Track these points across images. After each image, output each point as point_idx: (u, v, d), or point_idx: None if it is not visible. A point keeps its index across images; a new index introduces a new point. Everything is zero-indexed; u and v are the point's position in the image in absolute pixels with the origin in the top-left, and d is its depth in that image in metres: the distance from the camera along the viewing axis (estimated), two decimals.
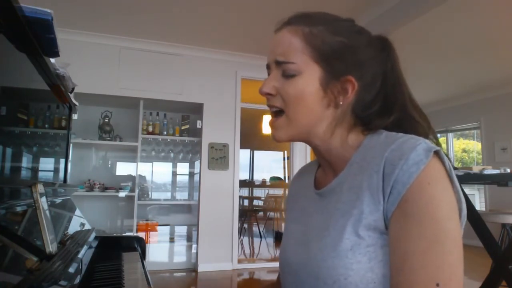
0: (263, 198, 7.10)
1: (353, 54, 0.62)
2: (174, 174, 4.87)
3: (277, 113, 0.65)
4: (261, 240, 6.08)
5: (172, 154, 4.61)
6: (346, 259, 0.54)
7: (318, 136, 0.64)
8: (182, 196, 4.88)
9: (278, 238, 6.09)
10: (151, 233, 4.14)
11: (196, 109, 4.31)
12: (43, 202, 0.76)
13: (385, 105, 0.64)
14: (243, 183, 6.01)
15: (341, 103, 0.62)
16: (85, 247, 1.04)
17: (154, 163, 4.75)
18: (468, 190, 5.64)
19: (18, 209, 0.79)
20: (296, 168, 4.55)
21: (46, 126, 1.29)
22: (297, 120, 0.63)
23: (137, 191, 3.88)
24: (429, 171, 0.51)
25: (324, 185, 0.66)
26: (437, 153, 0.53)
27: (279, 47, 0.63)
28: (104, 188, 3.91)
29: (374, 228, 0.54)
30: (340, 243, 0.55)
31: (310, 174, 0.75)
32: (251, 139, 7.19)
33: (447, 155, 0.57)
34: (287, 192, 5.48)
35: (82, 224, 1.38)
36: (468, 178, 2.09)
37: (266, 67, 0.67)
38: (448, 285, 0.47)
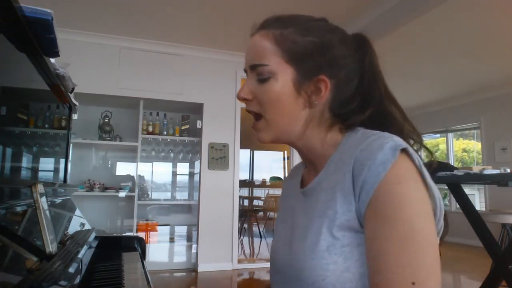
0: (263, 198, 7.10)
1: (325, 53, 0.62)
2: (174, 174, 4.87)
3: (257, 117, 0.66)
4: (261, 240, 6.08)
5: (172, 154, 4.61)
6: (323, 260, 0.54)
7: (298, 137, 0.65)
8: (182, 196, 4.88)
9: None
10: (151, 233, 4.14)
11: (196, 109, 4.31)
12: (43, 202, 0.76)
13: (362, 102, 0.64)
14: (243, 183, 6.02)
15: (315, 102, 0.62)
16: (85, 247, 1.04)
17: (154, 163, 4.75)
18: (468, 190, 5.63)
19: (18, 209, 0.79)
20: None
21: (46, 126, 1.29)
22: (275, 122, 0.63)
23: (137, 191, 3.88)
24: (397, 170, 0.51)
25: (307, 184, 0.66)
26: (405, 151, 0.52)
27: (253, 51, 0.65)
28: (104, 188, 3.91)
29: (347, 227, 0.54)
30: (317, 244, 0.55)
31: (298, 173, 0.76)
32: (251, 139, 7.17)
33: (424, 144, 0.57)
34: None
35: (82, 224, 1.38)
36: (468, 178, 2.09)
37: (244, 71, 0.68)
38: (424, 284, 0.47)
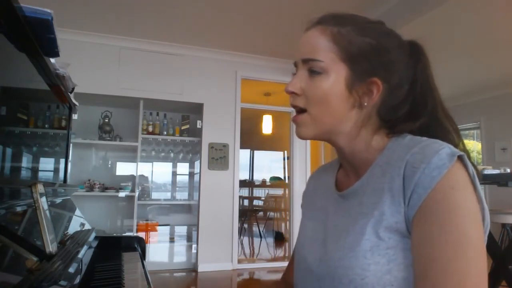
0: (263, 198, 7.09)
1: (381, 56, 0.61)
2: (174, 174, 4.87)
3: (300, 111, 0.65)
4: (261, 240, 6.08)
5: (172, 154, 4.61)
6: (364, 259, 0.53)
7: (342, 137, 0.64)
8: (182, 196, 4.88)
9: (278, 238, 6.09)
10: (151, 233, 4.14)
11: (196, 109, 4.31)
12: (43, 202, 0.76)
13: (413, 110, 0.64)
14: (243, 183, 6.01)
15: (365, 104, 0.62)
16: (85, 247, 1.04)
17: (154, 163, 4.75)
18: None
19: (18, 209, 0.79)
20: (296, 168, 4.55)
21: (46, 126, 1.29)
22: (320, 119, 0.62)
23: (137, 191, 3.88)
24: (452, 176, 0.50)
25: (346, 187, 0.65)
26: (460, 158, 0.52)
27: (307, 46, 0.63)
28: (104, 188, 3.91)
29: (395, 230, 0.53)
30: (359, 244, 0.54)
31: (330, 174, 0.75)
32: (251, 139, 7.19)
33: (472, 162, 0.56)
34: (287, 192, 5.46)
35: (82, 224, 1.38)
36: None
37: (294, 65, 0.67)
38: None
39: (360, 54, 0.61)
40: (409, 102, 0.64)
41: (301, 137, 0.65)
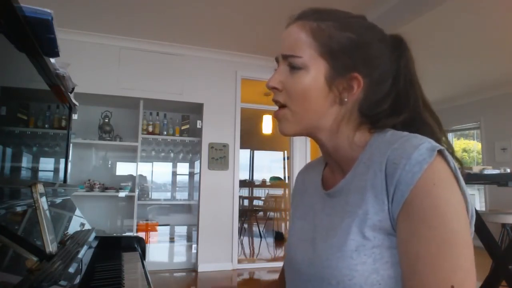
0: (263, 198, 7.09)
1: (361, 50, 0.61)
2: (174, 174, 4.87)
3: (281, 106, 0.64)
4: (261, 240, 6.08)
5: (172, 154, 4.61)
6: (351, 259, 0.53)
7: (324, 133, 0.64)
8: (182, 196, 4.88)
9: (278, 238, 6.08)
10: (151, 233, 4.14)
11: (196, 109, 4.31)
12: (43, 202, 0.76)
13: (395, 105, 0.63)
14: (243, 183, 6.01)
15: (346, 100, 0.61)
16: (85, 247, 1.04)
17: (154, 163, 4.75)
18: (468, 190, 5.63)
19: (18, 209, 0.79)
20: (296, 168, 4.55)
21: (46, 126, 1.29)
22: (301, 115, 0.62)
23: (137, 191, 3.88)
24: (433, 171, 0.50)
25: (332, 185, 0.65)
26: (441, 152, 0.52)
27: (287, 41, 0.63)
28: (104, 188, 3.91)
29: (379, 228, 0.53)
30: (345, 244, 0.54)
31: (317, 171, 0.75)
32: (251, 139, 7.19)
33: (455, 155, 0.56)
34: (287, 192, 5.46)
35: (82, 224, 1.38)
36: (468, 178, 2.09)
37: (275, 60, 0.66)
38: (463, 287, 0.46)
39: (340, 49, 0.60)
40: (392, 97, 0.63)
41: (283, 133, 0.65)
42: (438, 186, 0.49)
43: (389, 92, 0.63)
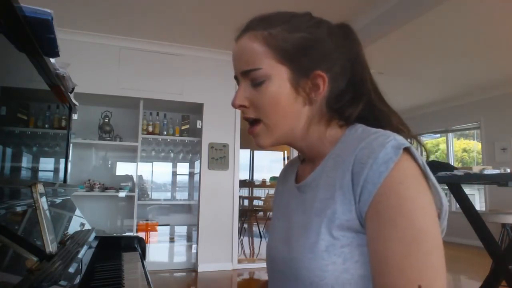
0: (263, 198, 7.10)
1: (316, 47, 0.60)
2: (174, 174, 4.87)
3: (254, 123, 0.64)
4: (261, 240, 6.08)
5: (172, 154, 4.61)
6: (322, 260, 0.53)
7: (300, 137, 0.64)
8: (182, 196, 4.88)
9: None
10: (151, 233, 4.14)
11: (196, 109, 4.31)
12: (43, 202, 0.76)
13: (355, 93, 0.63)
14: (243, 183, 6.02)
15: (315, 98, 0.61)
16: (85, 247, 1.04)
17: (154, 163, 4.75)
18: (468, 190, 5.63)
19: (18, 209, 0.79)
20: None
21: (46, 126, 1.29)
22: (276, 125, 0.62)
23: (137, 191, 3.88)
24: (400, 170, 0.50)
25: (303, 179, 0.65)
26: (408, 150, 0.52)
27: (242, 56, 0.62)
28: (104, 188, 3.91)
29: (347, 228, 0.53)
30: (316, 244, 0.54)
31: (293, 169, 0.75)
32: (251, 139, 7.14)
33: (423, 146, 0.57)
34: None
35: (82, 224, 1.38)
36: (468, 178, 2.09)
37: (234, 79, 0.65)
38: (432, 286, 0.46)
39: (297, 51, 0.59)
40: (353, 85, 0.64)
41: (261, 146, 0.65)
42: (404, 185, 0.49)
43: (350, 81, 0.64)
